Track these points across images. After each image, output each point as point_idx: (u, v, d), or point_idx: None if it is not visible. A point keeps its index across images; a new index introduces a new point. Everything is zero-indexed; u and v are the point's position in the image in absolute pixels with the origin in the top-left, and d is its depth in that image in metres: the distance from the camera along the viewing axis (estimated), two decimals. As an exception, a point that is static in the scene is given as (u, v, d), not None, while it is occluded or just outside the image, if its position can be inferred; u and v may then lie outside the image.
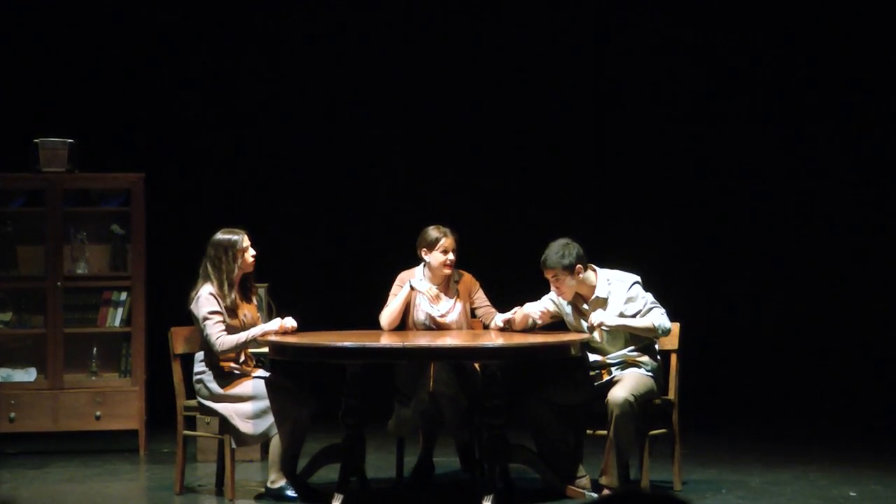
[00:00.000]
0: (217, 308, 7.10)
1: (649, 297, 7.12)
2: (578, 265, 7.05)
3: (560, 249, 7.06)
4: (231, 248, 7.17)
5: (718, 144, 10.48)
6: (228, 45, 10.42)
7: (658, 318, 7.05)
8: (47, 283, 8.77)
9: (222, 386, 7.12)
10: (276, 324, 7.18)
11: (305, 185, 10.48)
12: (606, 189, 10.62)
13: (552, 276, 7.09)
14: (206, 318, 7.08)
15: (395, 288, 7.56)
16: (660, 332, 7.06)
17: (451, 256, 7.44)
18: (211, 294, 7.11)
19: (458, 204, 10.15)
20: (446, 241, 7.44)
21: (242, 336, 7.11)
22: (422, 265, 7.54)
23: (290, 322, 7.18)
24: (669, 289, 7.72)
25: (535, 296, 7.36)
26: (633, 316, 7.07)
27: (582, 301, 7.19)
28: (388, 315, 7.48)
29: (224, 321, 7.10)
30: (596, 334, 7.10)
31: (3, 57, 10.03)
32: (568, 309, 7.24)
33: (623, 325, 7.06)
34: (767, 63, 10.42)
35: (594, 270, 7.17)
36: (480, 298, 7.58)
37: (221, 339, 7.06)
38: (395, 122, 10.55)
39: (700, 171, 10.48)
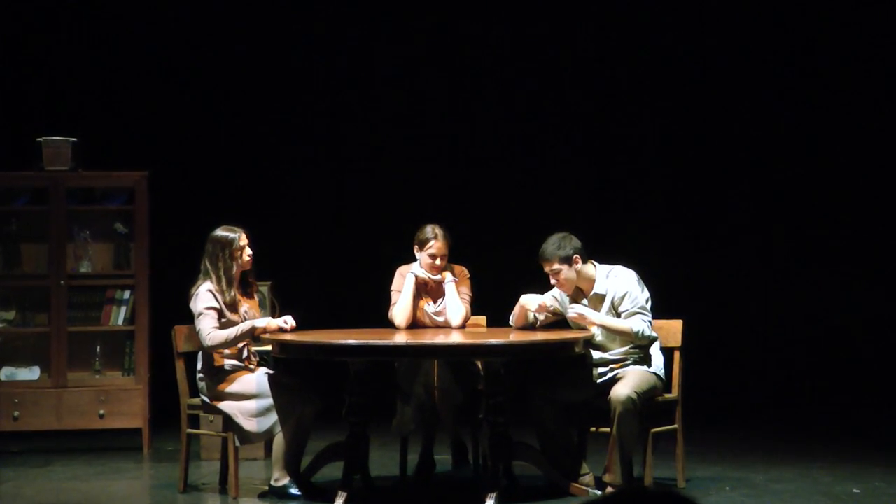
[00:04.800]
0: (215, 304, 7.07)
1: (642, 299, 7.06)
2: (576, 256, 7.04)
3: (557, 241, 7.06)
4: (228, 246, 7.15)
5: (722, 138, 10.47)
6: (231, 43, 10.42)
7: (639, 323, 7.00)
8: (51, 281, 8.78)
9: (221, 382, 7.11)
10: (265, 321, 7.14)
11: (309, 183, 10.49)
12: (607, 184, 10.61)
13: (550, 269, 7.07)
14: (200, 314, 7.05)
15: (396, 282, 7.54)
16: (638, 336, 7.02)
17: (437, 262, 7.42)
18: (209, 290, 7.08)
19: (458, 201, 10.16)
20: (436, 245, 7.40)
21: (232, 332, 7.04)
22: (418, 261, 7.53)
23: (288, 321, 7.13)
24: (673, 285, 7.71)
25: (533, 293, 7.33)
26: (620, 315, 7.05)
27: (582, 296, 7.17)
28: (401, 310, 7.44)
29: (220, 318, 7.07)
30: (595, 330, 7.08)
31: (7, 55, 10.04)
32: (569, 305, 7.21)
33: (602, 324, 7.05)
34: (774, 56, 10.41)
35: (594, 265, 7.16)
36: (462, 292, 7.54)
37: (212, 334, 7.01)
38: (396, 120, 10.55)
39: (703, 166, 10.47)
